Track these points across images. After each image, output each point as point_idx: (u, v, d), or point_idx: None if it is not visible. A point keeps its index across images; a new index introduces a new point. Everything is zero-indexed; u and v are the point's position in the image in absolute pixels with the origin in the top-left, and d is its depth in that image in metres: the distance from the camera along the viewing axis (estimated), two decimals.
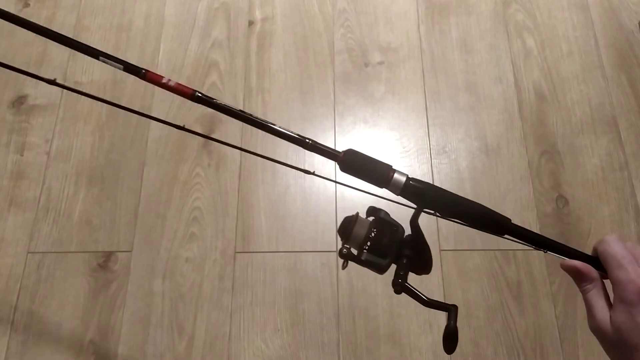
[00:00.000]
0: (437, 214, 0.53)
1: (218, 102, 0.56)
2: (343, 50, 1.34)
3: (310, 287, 1.09)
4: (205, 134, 0.63)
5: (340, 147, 1.30)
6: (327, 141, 1.23)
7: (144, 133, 1.24)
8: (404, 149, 1.23)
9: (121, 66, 0.57)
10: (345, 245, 0.54)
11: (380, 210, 0.55)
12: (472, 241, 1.13)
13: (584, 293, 0.47)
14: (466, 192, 1.18)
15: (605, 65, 1.31)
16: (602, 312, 0.45)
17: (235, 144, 0.64)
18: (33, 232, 1.15)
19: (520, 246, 1.25)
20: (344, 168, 0.55)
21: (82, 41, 0.57)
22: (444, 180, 1.19)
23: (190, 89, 0.57)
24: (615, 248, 0.46)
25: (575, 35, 1.35)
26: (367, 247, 0.53)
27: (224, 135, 1.23)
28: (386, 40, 1.35)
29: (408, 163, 1.21)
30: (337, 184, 0.56)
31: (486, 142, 1.23)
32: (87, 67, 1.32)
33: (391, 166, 0.53)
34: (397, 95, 1.29)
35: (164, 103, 1.27)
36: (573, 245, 1.22)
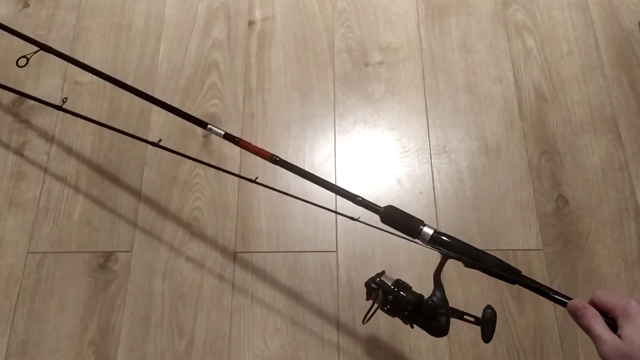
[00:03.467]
0: (461, 259, 0.66)
1: (293, 165, 0.76)
2: (343, 50, 1.34)
3: (310, 287, 1.09)
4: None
5: (341, 148, 1.29)
6: (327, 141, 1.23)
7: (144, 133, 1.24)
8: (404, 149, 1.23)
9: (222, 133, 0.82)
10: (375, 282, 0.67)
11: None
12: (472, 241, 1.11)
13: (593, 326, 0.56)
14: (466, 192, 1.18)
15: (605, 65, 1.31)
16: (610, 335, 0.54)
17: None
18: (33, 232, 1.15)
19: (521, 246, 1.24)
20: (384, 219, 0.71)
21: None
22: (444, 180, 1.19)
23: (269, 153, 0.78)
24: (603, 290, 0.59)
25: (575, 35, 1.35)
26: (394, 293, 0.66)
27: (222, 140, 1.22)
28: (386, 40, 1.35)
29: (408, 163, 1.21)
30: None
31: (486, 142, 1.23)
32: None
33: (423, 221, 0.68)
34: (397, 95, 1.29)
35: None
36: (573, 244, 1.21)
